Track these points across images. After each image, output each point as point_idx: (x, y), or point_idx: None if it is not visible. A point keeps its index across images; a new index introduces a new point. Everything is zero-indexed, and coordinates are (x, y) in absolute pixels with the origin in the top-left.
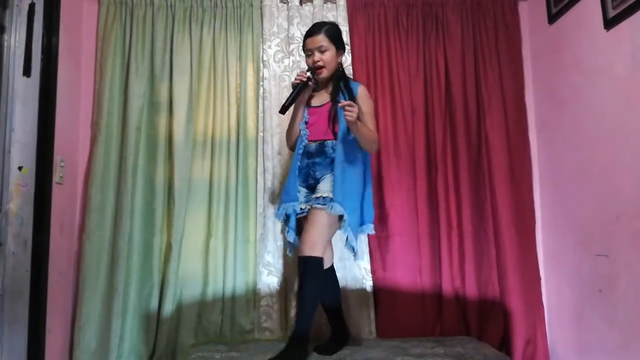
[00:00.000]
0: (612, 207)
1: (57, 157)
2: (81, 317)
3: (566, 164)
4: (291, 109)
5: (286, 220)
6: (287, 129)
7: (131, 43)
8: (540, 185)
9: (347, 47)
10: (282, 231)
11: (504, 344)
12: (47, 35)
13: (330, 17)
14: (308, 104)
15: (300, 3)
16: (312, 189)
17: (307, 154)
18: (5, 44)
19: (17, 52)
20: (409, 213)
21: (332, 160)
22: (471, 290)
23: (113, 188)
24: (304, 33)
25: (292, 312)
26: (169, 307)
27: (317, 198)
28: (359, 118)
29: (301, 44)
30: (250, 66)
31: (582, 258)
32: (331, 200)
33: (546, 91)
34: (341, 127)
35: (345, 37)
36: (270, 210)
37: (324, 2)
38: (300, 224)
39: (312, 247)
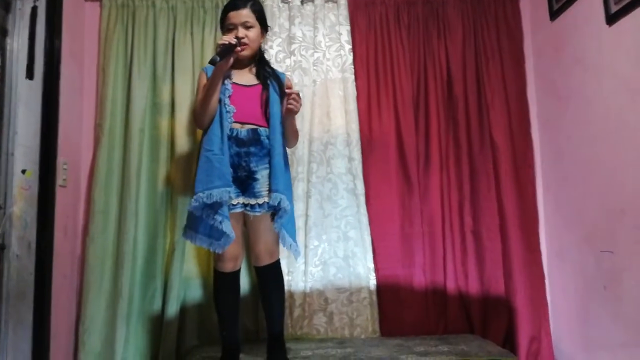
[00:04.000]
0: (617, 202)
1: (60, 160)
2: (86, 319)
3: (569, 161)
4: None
5: (203, 209)
6: (202, 101)
7: (133, 45)
8: (543, 182)
9: (349, 47)
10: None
11: (508, 341)
12: (49, 38)
13: (331, 16)
14: (229, 78)
15: (302, 3)
16: (242, 183)
17: (236, 140)
18: (8, 47)
19: (20, 56)
20: (410, 210)
21: (268, 152)
22: (474, 288)
23: (117, 190)
24: (305, 33)
25: (296, 312)
26: (172, 309)
27: (262, 205)
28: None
29: (300, 41)
30: None
31: (587, 254)
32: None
33: (549, 88)
34: (274, 113)
35: (347, 37)
36: None
37: (325, 2)
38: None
39: (272, 254)
